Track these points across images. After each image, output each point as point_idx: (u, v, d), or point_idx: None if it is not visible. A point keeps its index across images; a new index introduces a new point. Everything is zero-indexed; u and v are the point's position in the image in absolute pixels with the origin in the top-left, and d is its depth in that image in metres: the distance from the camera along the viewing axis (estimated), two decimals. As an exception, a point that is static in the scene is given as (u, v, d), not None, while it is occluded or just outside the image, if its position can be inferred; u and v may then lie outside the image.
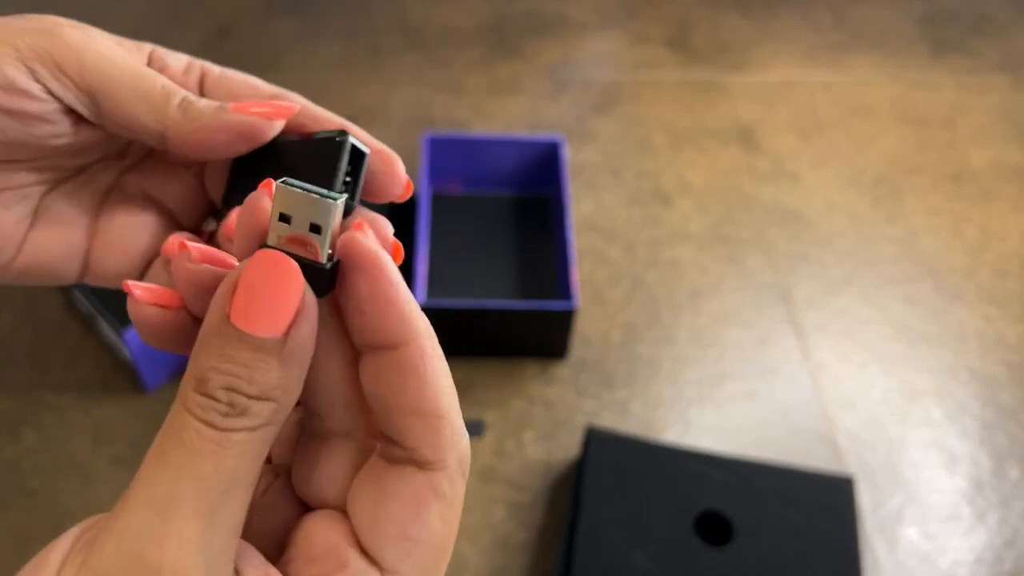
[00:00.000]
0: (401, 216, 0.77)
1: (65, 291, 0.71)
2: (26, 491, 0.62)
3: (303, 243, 0.18)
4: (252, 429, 0.17)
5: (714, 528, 0.58)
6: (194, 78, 0.26)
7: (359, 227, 0.19)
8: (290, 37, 1.06)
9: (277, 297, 0.17)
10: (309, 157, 0.23)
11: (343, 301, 0.19)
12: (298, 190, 0.18)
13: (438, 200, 0.84)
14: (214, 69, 0.26)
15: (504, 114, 0.97)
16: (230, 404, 0.16)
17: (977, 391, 0.73)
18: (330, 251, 0.18)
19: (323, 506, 0.20)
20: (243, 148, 0.24)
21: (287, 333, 0.17)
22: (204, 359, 0.17)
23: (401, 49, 1.05)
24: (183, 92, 0.24)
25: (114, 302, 0.71)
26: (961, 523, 0.64)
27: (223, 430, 0.16)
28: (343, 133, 0.23)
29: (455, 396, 0.19)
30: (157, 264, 0.26)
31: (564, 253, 0.73)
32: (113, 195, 0.27)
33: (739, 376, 0.72)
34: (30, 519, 0.61)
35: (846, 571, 0.56)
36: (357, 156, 0.23)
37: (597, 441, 0.61)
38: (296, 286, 0.17)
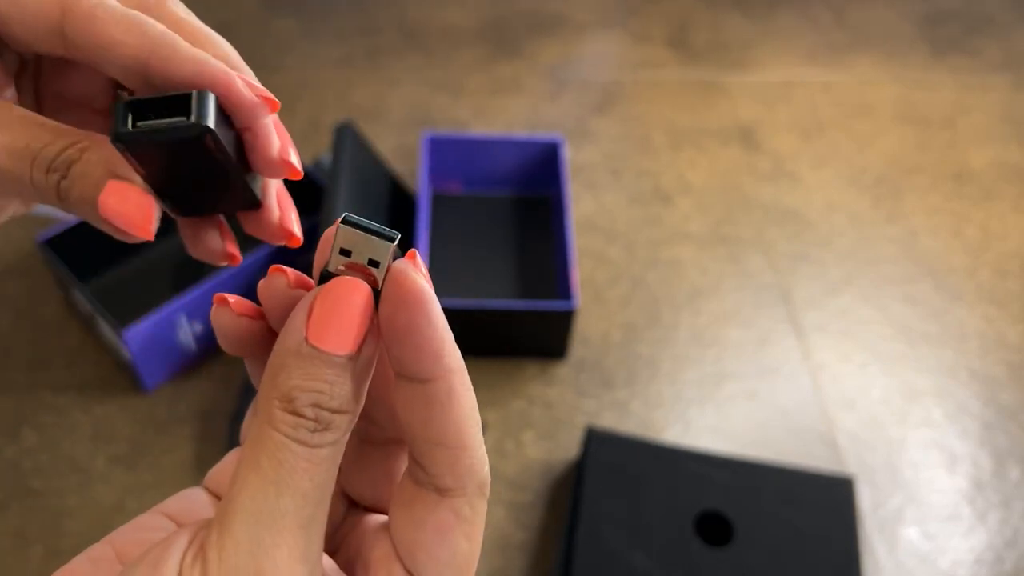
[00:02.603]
0: (401, 216, 0.77)
1: (65, 291, 0.71)
2: (26, 491, 0.62)
3: (361, 269, 0.19)
4: (334, 443, 0.18)
5: (714, 528, 0.58)
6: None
7: (412, 257, 0.20)
8: (290, 37, 1.06)
9: (350, 318, 0.18)
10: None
11: (384, 330, 0.20)
12: (359, 231, 0.19)
13: (438, 200, 0.84)
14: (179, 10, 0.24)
15: (504, 114, 0.97)
16: (316, 419, 0.18)
17: (977, 391, 0.73)
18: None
19: (362, 501, 0.22)
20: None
21: (358, 350, 0.18)
22: (286, 379, 0.18)
23: (401, 49, 1.05)
24: None
25: (114, 302, 0.71)
26: (961, 523, 0.64)
27: (313, 447, 0.18)
28: (187, 96, 0.21)
29: (479, 425, 0.20)
30: None
31: (564, 253, 0.73)
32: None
33: (739, 376, 0.72)
34: (30, 519, 0.61)
35: (846, 571, 0.56)
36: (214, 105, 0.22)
37: (597, 441, 0.61)
38: (367, 308, 0.19)
